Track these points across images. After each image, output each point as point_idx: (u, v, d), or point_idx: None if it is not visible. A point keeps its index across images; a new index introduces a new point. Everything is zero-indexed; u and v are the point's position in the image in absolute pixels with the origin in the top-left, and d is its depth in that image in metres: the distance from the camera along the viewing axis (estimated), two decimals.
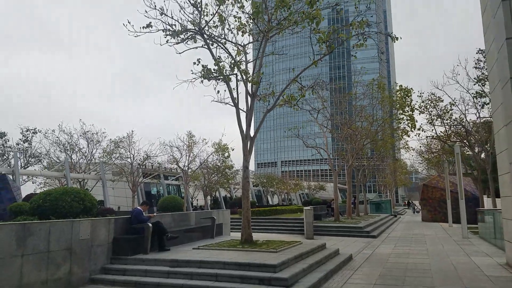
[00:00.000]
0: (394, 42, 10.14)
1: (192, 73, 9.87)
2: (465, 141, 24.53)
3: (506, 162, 10.11)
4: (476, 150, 24.60)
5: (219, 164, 40.85)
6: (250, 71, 10.76)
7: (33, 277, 7.16)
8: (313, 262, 9.17)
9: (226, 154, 39.23)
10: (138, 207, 10.16)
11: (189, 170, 40.21)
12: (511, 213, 10.12)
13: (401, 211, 56.63)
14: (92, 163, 34.73)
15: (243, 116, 10.99)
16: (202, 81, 10.90)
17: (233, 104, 10.70)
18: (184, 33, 9.71)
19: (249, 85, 10.74)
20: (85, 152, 34.27)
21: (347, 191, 27.12)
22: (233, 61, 9.53)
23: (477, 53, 21.60)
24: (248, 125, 10.78)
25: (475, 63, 21.45)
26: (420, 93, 25.23)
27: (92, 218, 9.13)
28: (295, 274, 7.76)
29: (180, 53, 10.12)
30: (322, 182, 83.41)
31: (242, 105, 11.18)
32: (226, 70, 9.61)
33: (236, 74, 9.85)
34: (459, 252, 13.01)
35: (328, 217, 27.89)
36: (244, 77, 9.80)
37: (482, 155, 25.28)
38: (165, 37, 10.02)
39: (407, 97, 24.24)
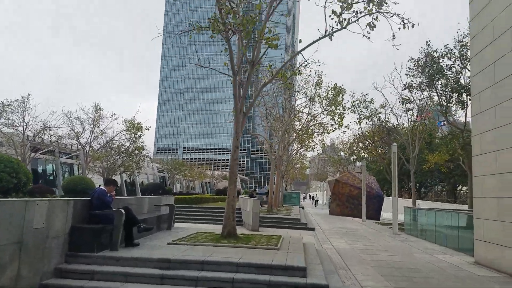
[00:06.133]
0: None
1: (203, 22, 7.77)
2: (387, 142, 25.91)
3: (482, 166, 10.51)
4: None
5: (127, 144, 36.77)
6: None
7: None
8: (318, 261, 8.01)
9: (139, 134, 35.52)
10: (102, 187, 7.68)
11: (90, 149, 35.37)
12: (484, 214, 10.45)
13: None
14: None
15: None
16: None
17: (231, 72, 8.84)
18: None
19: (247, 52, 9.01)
20: None
21: (274, 182, 26.67)
22: (248, 16, 7.72)
23: (408, 61, 23.00)
24: (244, 98, 9.05)
25: (407, 71, 22.77)
26: (352, 93, 26.00)
27: (42, 198, 6.49)
28: (325, 278, 6.50)
29: None
30: (225, 172, 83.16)
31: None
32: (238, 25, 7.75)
33: (251, 31, 8.04)
34: (412, 249, 13.23)
35: None
36: (259, 36, 8.02)
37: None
38: None
39: (339, 96, 24.67)
